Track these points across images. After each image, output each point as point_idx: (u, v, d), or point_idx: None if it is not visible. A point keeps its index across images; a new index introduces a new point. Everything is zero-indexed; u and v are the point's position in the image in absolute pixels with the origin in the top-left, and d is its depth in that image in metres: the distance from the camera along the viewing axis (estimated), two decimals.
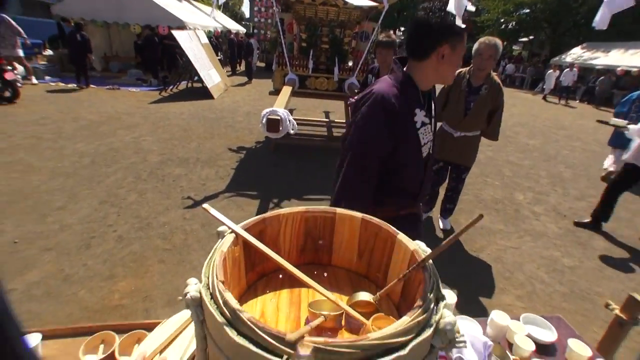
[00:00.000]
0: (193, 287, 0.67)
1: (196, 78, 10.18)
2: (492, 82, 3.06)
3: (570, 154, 7.08)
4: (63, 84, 9.33)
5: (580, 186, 5.24)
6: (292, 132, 3.14)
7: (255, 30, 17.95)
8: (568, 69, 15.06)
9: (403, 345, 0.58)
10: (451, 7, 1.25)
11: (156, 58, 10.53)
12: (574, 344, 1.14)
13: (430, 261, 0.77)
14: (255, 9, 18.00)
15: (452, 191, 3.49)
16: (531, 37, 26.17)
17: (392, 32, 3.46)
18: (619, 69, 15.33)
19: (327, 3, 4.82)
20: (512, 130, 8.92)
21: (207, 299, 0.64)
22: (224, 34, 16.51)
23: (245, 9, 39.93)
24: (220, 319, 0.60)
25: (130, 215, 3.43)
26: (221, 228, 0.85)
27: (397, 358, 0.57)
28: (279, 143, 5.55)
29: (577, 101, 16.74)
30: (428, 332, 0.62)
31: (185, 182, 4.21)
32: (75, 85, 9.04)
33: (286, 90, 4.50)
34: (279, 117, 2.84)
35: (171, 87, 9.77)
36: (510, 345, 1.18)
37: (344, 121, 6.42)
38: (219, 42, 15.54)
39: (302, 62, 5.22)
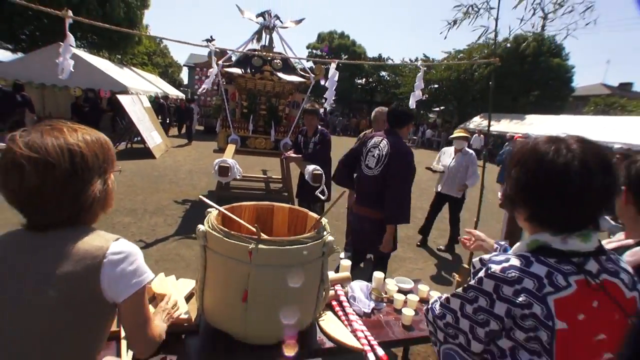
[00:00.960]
0: (202, 227, 1.31)
1: (136, 139, 10.50)
2: None
3: (470, 200, 8.54)
4: None
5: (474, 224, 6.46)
6: (238, 176, 3.81)
7: (196, 96, 18.90)
8: (477, 135, 17.99)
9: (306, 243, 1.27)
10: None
11: (97, 120, 10.73)
12: (422, 287, 1.90)
13: (324, 219, 1.49)
14: (197, 77, 19.17)
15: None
16: (442, 108, 30.56)
17: (316, 102, 4.41)
18: (508, 134, 18.66)
19: (264, 78, 5.81)
20: (427, 184, 10.41)
21: (210, 230, 1.29)
22: (162, 98, 17.16)
23: (183, 76, 41.22)
24: (219, 235, 1.25)
25: None
26: (209, 210, 1.49)
27: (303, 247, 1.26)
28: (222, 196, 6.11)
29: (481, 160, 19.78)
30: (319, 241, 1.32)
31: (135, 228, 4.53)
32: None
33: (230, 147, 5.20)
34: (228, 165, 3.51)
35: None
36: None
37: (280, 177, 7.19)
38: (168, 105, 16.16)
39: (243, 125, 6.03)
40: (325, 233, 1.39)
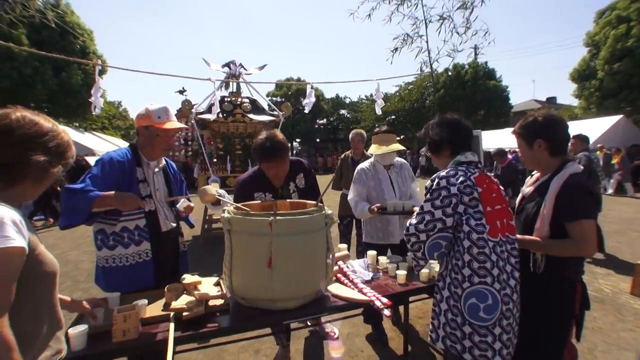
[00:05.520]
0: (226, 215, 1.59)
1: None
2: (367, 156, 4.53)
3: None
4: None
5: None
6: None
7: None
8: None
9: (312, 214, 1.59)
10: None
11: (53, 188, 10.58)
12: (409, 259, 2.21)
13: (321, 199, 1.81)
14: None
15: (359, 236, 4.61)
16: (402, 136, 32.21)
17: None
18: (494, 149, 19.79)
19: (236, 120, 6.23)
20: None
21: (233, 215, 1.57)
22: None
23: None
24: (241, 215, 1.54)
25: None
26: (224, 208, 1.77)
27: (310, 217, 1.57)
28: (207, 237, 6.24)
29: None
30: (322, 212, 1.64)
31: None
32: None
33: (214, 184, 5.44)
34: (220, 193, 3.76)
35: None
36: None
37: None
38: None
39: (221, 166, 6.33)
40: (325, 209, 1.71)
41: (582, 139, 5.27)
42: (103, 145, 14.64)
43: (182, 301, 1.59)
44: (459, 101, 23.90)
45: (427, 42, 2.90)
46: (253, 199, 2.20)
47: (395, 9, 2.98)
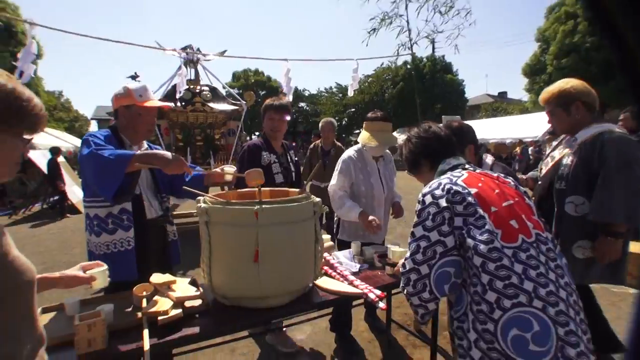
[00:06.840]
0: (202, 205, 1.40)
1: (51, 199, 9.58)
2: (337, 145, 4.43)
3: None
4: None
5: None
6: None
7: None
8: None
9: (300, 201, 1.44)
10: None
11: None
12: (394, 248, 2.10)
13: (307, 190, 1.67)
14: None
15: (330, 229, 4.50)
16: (361, 129, 32.67)
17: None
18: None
19: (196, 110, 5.87)
20: None
21: (211, 205, 1.39)
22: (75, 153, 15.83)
23: (93, 129, 38.35)
24: (221, 205, 1.36)
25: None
26: (198, 197, 1.58)
27: (298, 204, 1.42)
28: None
29: None
30: (310, 200, 1.50)
31: None
32: None
33: None
34: None
35: (23, 210, 8.89)
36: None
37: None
38: None
39: None
40: (312, 197, 1.58)
41: None
42: (45, 139, 13.29)
43: (156, 304, 1.39)
44: (417, 94, 24.57)
45: (407, 21, 2.85)
46: (260, 158, 2.38)
47: None
